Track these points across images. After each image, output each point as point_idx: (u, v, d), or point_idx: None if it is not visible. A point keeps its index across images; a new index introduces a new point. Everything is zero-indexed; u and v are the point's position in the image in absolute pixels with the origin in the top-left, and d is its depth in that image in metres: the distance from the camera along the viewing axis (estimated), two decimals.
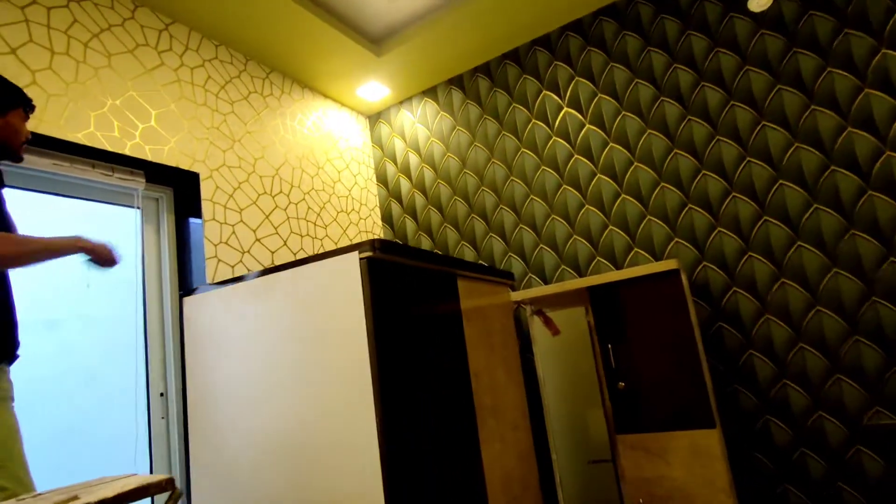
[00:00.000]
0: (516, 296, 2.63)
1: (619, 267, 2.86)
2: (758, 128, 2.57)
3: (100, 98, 2.19)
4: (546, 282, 3.08)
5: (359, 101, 3.66)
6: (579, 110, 3.04)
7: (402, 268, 1.59)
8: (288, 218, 2.99)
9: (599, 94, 2.98)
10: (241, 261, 2.63)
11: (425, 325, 1.65)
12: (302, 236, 3.06)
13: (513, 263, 3.19)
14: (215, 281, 2.45)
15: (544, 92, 3.17)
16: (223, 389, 1.71)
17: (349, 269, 1.44)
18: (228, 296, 1.74)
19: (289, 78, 3.24)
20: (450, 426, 1.66)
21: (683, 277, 2.30)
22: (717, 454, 2.04)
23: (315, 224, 3.18)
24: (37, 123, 1.96)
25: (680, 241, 2.72)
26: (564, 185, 3.06)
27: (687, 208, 2.71)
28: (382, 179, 3.81)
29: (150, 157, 2.33)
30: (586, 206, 2.98)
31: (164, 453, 2.35)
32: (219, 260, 2.52)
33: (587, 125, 3.01)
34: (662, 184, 2.78)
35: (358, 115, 3.81)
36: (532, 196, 3.16)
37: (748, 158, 2.58)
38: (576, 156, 3.04)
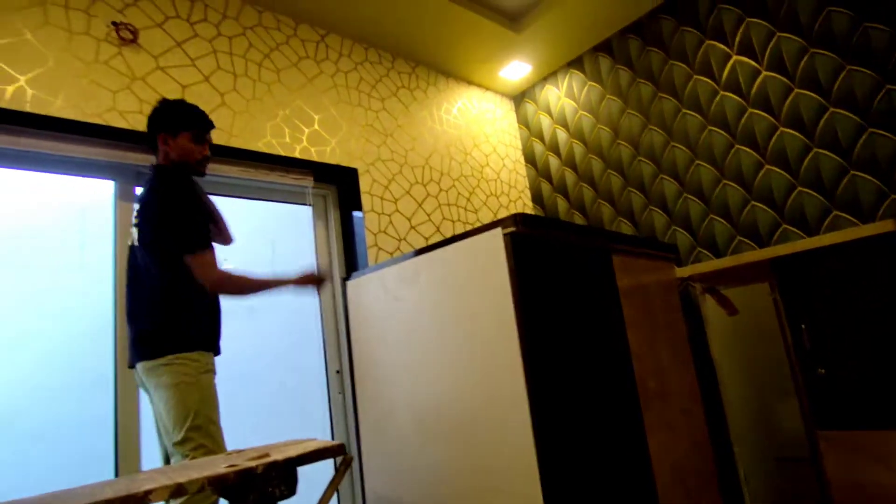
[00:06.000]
0: (683, 272, 2.38)
1: (812, 234, 2.42)
2: None
3: (273, 110, 2.48)
4: (718, 255, 2.73)
5: (502, 83, 3.63)
6: (752, 56, 2.62)
7: (548, 243, 1.52)
8: (439, 205, 3.09)
9: (778, 34, 2.54)
10: (398, 248, 2.79)
11: (577, 303, 1.57)
12: (453, 222, 3.15)
13: (678, 237, 2.89)
14: None
15: (707, 42, 2.80)
16: (384, 365, 1.84)
17: (493, 246, 1.43)
18: (384, 278, 1.85)
19: (433, 69, 3.34)
20: (610, 409, 1.56)
21: None
22: None
23: (465, 209, 3.24)
24: (227, 137, 2.29)
25: None
26: (737, 145, 2.67)
27: None
28: (530, 159, 3.74)
29: (315, 158, 2.58)
30: (766, 166, 2.57)
31: (343, 425, 2.61)
32: (379, 248, 2.70)
33: (763, 72, 2.58)
34: (870, 130, 2.27)
35: (502, 97, 3.78)
36: (697, 161, 2.83)
37: None
38: (750, 110, 2.63)
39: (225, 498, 1.06)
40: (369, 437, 1.88)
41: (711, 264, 2.28)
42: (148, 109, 2.06)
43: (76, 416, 2.00)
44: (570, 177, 3.47)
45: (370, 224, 2.70)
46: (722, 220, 2.72)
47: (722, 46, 2.74)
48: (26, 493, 1.07)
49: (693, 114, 2.84)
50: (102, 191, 2.10)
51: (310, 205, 2.74)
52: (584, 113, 3.38)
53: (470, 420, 1.50)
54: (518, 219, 1.36)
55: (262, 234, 2.66)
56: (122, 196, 2.11)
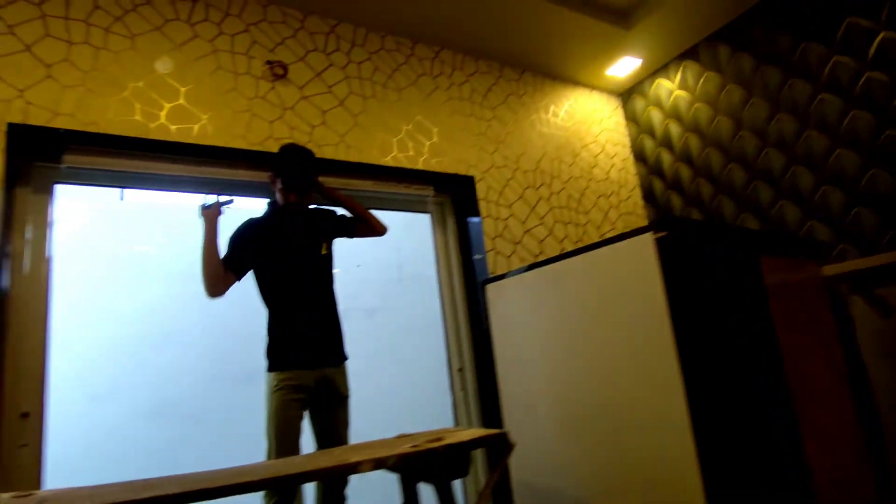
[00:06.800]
0: (831, 270, 2.22)
1: None
2: None
3: (397, 126, 2.68)
4: (865, 250, 2.51)
5: (609, 80, 3.59)
6: None
7: (696, 245, 1.54)
8: (551, 208, 3.14)
9: None
10: (514, 252, 2.88)
11: (726, 305, 1.56)
12: (565, 224, 3.17)
13: (816, 231, 2.70)
14: (494, 270, 2.74)
15: (847, 19, 2.58)
16: (528, 364, 1.94)
17: (643, 250, 1.48)
18: (525, 281, 1.96)
19: (539, 74, 3.39)
20: (765, 410, 1.53)
21: None
22: None
23: (576, 211, 3.26)
24: (358, 153, 2.51)
25: None
26: (888, 132, 2.44)
27: None
28: (640, 156, 3.66)
29: (436, 169, 2.74)
30: None
31: (465, 420, 2.73)
32: (496, 252, 2.80)
33: None
34: None
35: (609, 95, 3.74)
36: (840, 149, 2.61)
37: None
38: None
39: (405, 474, 1.21)
40: (513, 430, 1.99)
41: (863, 261, 2.12)
42: (297, 136, 2.33)
43: (225, 404, 2.31)
44: (685, 172, 3.35)
45: (487, 229, 2.81)
46: (870, 211, 2.50)
47: (866, 22, 2.52)
48: (189, 469, 1.28)
49: (831, 97, 2.64)
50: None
51: (429, 213, 2.91)
52: (701, 104, 3.25)
53: (620, 416, 1.56)
54: (669, 223, 1.40)
55: (387, 241, 2.86)
56: None
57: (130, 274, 2.29)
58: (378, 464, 1.03)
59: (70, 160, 1.98)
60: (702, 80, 3.25)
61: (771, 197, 2.88)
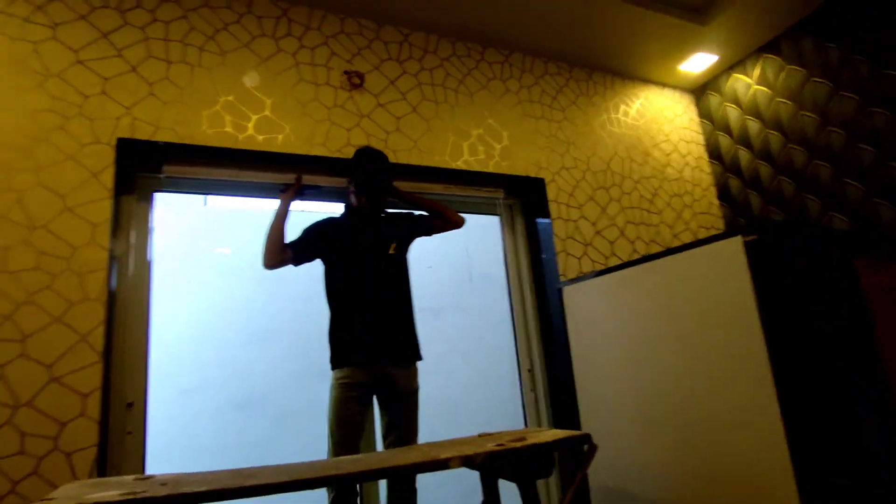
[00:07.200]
0: None
1: None
2: None
3: (468, 130, 2.71)
4: None
5: (682, 77, 3.48)
6: None
7: (787, 248, 1.48)
8: (623, 208, 3.07)
9: None
10: (585, 253, 2.84)
11: (820, 309, 1.49)
12: (637, 225, 3.10)
13: None
14: (564, 271, 2.72)
15: None
16: (605, 366, 1.92)
17: (732, 253, 1.45)
18: (604, 284, 1.95)
19: (609, 73, 3.33)
20: (863, 418, 1.45)
21: None
22: None
23: (648, 211, 3.17)
24: (430, 158, 2.56)
25: None
26: None
27: None
28: (715, 155, 3.52)
29: (506, 171, 2.75)
30: None
31: (534, 420, 2.72)
32: (567, 253, 2.78)
33: None
34: None
35: (681, 93, 3.62)
36: None
37: None
38: None
39: (488, 472, 1.23)
40: (591, 432, 1.98)
41: None
42: (373, 142, 2.41)
43: (308, 399, 2.40)
44: (764, 170, 3.19)
45: (557, 230, 2.79)
46: None
47: None
48: (274, 461, 1.33)
49: None
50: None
51: (499, 215, 2.92)
52: (782, 100, 3.09)
53: (705, 420, 1.54)
54: (761, 225, 1.36)
55: (457, 243, 2.90)
56: None
57: (215, 275, 2.44)
58: (466, 460, 1.05)
59: (169, 170, 2.14)
60: (783, 75, 3.09)
61: (861, 194, 2.70)
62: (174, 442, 2.19)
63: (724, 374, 1.49)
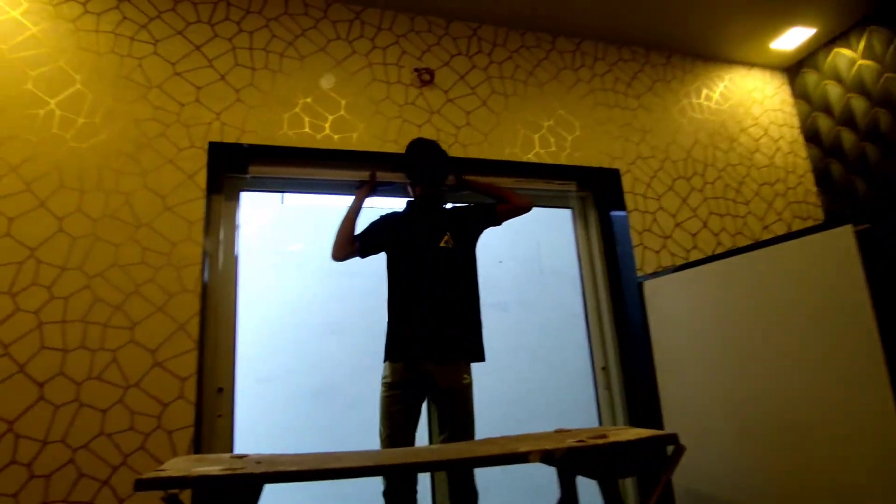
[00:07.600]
0: None
1: None
2: None
3: (538, 122, 2.67)
4: None
5: (773, 55, 3.22)
6: None
7: None
8: (705, 199, 2.90)
9: None
10: (664, 246, 2.71)
11: None
12: (722, 216, 2.91)
13: None
14: (642, 265, 2.61)
15: None
16: (691, 364, 1.83)
17: (840, 245, 1.34)
18: (690, 278, 1.85)
19: (689, 56, 3.15)
20: None
21: None
22: None
23: (735, 201, 2.97)
24: (500, 151, 2.54)
25: None
26: None
27: None
28: (813, 138, 3.23)
29: (578, 163, 2.68)
30: None
31: (609, 419, 2.63)
32: (644, 247, 2.66)
33: None
34: None
35: (772, 72, 3.35)
36: None
37: None
38: None
39: (567, 468, 1.20)
40: (676, 430, 1.91)
41: None
42: (443, 138, 2.43)
43: (374, 390, 2.45)
44: (872, 153, 2.89)
45: (634, 223, 2.68)
46: None
47: None
48: (345, 448, 1.36)
49: None
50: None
51: (571, 208, 2.85)
52: (893, 75, 2.78)
53: (809, 423, 1.44)
54: (870, 213, 1.24)
55: (527, 235, 2.86)
56: None
57: (291, 270, 2.56)
58: (546, 455, 1.04)
59: (254, 170, 2.28)
60: (893, 47, 2.78)
61: None
62: (255, 426, 2.32)
63: (834, 378, 1.39)
